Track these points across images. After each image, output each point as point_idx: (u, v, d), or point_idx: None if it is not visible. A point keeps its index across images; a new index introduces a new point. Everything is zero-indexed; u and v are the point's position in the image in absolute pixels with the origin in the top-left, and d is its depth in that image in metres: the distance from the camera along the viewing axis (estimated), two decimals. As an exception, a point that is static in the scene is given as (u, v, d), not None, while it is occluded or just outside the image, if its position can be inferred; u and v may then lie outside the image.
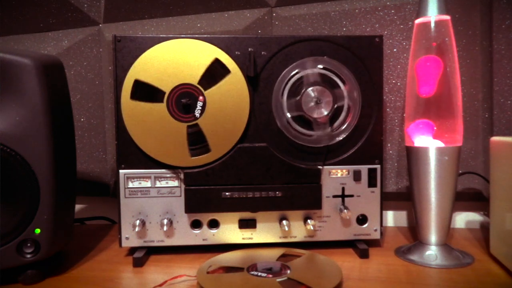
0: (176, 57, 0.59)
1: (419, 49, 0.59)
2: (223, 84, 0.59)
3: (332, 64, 0.60)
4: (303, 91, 0.59)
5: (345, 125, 0.61)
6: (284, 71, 0.60)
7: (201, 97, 0.58)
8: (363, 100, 0.62)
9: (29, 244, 0.52)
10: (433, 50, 0.58)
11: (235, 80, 0.59)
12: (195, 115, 0.59)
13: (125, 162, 0.61)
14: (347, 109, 0.61)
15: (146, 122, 0.59)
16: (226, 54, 0.59)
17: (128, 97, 0.59)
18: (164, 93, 0.59)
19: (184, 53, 0.59)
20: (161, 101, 0.59)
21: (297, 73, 0.60)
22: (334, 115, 0.61)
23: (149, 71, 0.59)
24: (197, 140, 0.60)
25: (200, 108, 0.59)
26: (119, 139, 0.60)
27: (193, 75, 0.59)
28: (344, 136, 0.61)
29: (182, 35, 0.59)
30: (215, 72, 0.59)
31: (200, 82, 0.59)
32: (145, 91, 0.59)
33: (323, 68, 0.60)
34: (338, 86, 0.60)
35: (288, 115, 0.60)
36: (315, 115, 0.59)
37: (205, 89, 0.59)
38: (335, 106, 0.60)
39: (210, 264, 0.55)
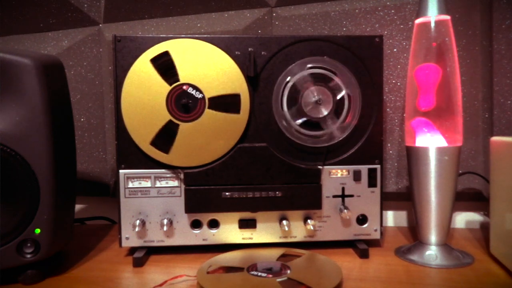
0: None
1: (419, 49, 0.59)
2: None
3: (319, 61, 0.60)
4: (300, 96, 0.59)
5: (349, 119, 0.61)
6: (278, 80, 0.60)
7: (185, 86, 0.58)
8: (363, 100, 0.62)
9: (29, 244, 0.52)
10: (433, 50, 0.58)
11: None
12: (200, 98, 0.59)
13: (125, 162, 0.61)
14: (348, 97, 0.60)
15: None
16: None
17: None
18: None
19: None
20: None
21: (289, 81, 0.60)
22: (337, 108, 0.60)
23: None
24: (226, 104, 0.60)
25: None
26: (119, 139, 0.60)
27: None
28: (344, 136, 0.61)
29: (182, 35, 0.59)
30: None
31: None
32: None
33: (312, 67, 0.60)
34: (332, 79, 0.60)
35: (295, 124, 0.60)
36: (319, 115, 0.59)
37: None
38: (336, 99, 0.60)
39: (210, 264, 0.55)
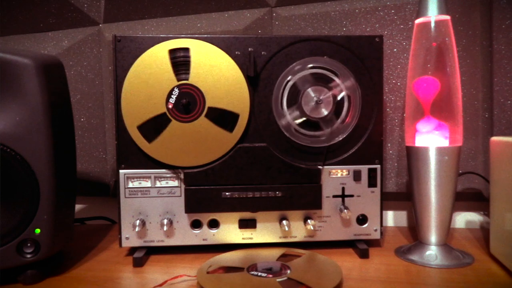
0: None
1: (419, 49, 0.59)
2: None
3: (320, 61, 0.60)
4: (300, 95, 0.59)
5: (349, 119, 0.61)
6: (278, 80, 0.60)
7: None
8: (363, 100, 0.62)
9: (29, 244, 0.52)
10: (433, 50, 0.58)
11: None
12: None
13: (125, 162, 0.61)
14: (348, 98, 0.60)
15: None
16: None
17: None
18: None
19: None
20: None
21: (289, 80, 0.60)
22: (337, 108, 0.60)
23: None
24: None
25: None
26: (119, 139, 0.60)
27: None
28: (344, 136, 0.61)
29: (182, 35, 0.59)
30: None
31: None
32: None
33: (313, 67, 0.60)
34: (332, 80, 0.60)
35: (295, 124, 0.60)
36: (319, 115, 0.59)
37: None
38: (336, 99, 0.60)
39: (210, 264, 0.55)
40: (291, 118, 0.60)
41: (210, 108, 0.59)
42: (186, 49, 0.59)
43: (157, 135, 0.59)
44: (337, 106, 0.60)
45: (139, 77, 0.59)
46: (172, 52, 0.59)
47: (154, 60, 0.59)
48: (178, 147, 0.60)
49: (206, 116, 0.59)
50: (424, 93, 0.58)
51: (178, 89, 0.59)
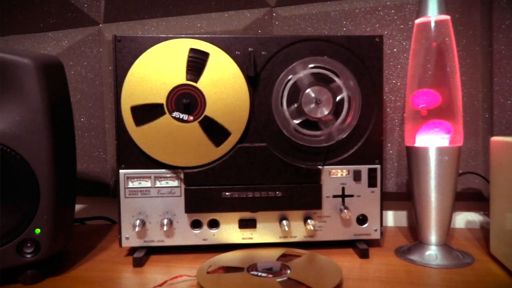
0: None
1: (419, 49, 0.59)
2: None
3: (321, 61, 0.60)
4: (300, 95, 0.59)
5: (349, 119, 0.61)
6: (278, 79, 0.60)
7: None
8: (363, 100, 0.62)
9: (29, 244, 0.52)
10: (433, 50, 0.58)
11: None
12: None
13: (125, 162, 0.61)
14: (348, 99, 0.60)
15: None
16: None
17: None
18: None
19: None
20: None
21: (290, 79, 0.60)
22: (336, 109, 0.60)
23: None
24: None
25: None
26: (119, 139, 0.60)
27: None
28: (344, 136, 0.61)
29: (182, 35, 0.59)
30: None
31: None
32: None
33: (314, 67, 0.60)
34: (333, 80, 0.60)
35: (294, 123, 0.60)
36: (318, 115, 0.59)
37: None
38: (336, 100, 0.60)
39: (210, 264, 0.55)
40: (289, 116, 0.60)
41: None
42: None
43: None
44: (337, 106, 0.60)
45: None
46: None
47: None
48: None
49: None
50: (424, 106, 0.58)
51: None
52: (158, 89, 0.59)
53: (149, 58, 0.59)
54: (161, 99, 0.59)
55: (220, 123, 0.59)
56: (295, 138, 0.61)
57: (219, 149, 0.60)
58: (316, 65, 0.60)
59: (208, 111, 0.59)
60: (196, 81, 0.59)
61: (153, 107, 0.59)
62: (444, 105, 0.58)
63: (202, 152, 0.60)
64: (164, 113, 0.59)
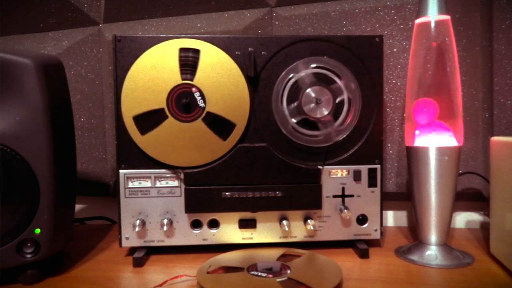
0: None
1: (419, 49, 0.59)
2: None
3: (324, 61, 0.60)
4: (301, 94, 0.59)
5: (349, 120, 0.61)
6: (280, 77, 0.60)
7: (194, 89, 0.58)
8: (363, 100, 0.62)
9: (29, 244, 0.52)
10: (433, 50, 0.58)
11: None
12: (201, 106, 0.59)
13: (125, 162, 0.61)
14: (348, 101, 0.60)
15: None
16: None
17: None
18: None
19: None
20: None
21: (291, 77, 0.60)
22: (336, 110, 0.60)
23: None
24: (219, 126, 0.60)
25: (201, 99, 0.59)
26: (119, 139, 0.60)
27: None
28: (344, 136, 0.61)
29: (182, 35, 0.59)
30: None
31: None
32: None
33: (316, 67, 0.60)
34: (334, 81, 0.60)
35: (292, 121, 0.60)
36: (318, 115, 0.59)
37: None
38: (336, 101, 0.60)
39: (210, 264, 0.55)
40: (289, 114, 0.60)
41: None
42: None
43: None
44: (338, 106, 0.60)
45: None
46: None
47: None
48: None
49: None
50: (424, 117, 0.58)
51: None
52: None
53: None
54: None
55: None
56: (294, 138, 0.61)
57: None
58: (318, 65, 0.60)
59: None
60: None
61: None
62: (444, 106, 0.58)
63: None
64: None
